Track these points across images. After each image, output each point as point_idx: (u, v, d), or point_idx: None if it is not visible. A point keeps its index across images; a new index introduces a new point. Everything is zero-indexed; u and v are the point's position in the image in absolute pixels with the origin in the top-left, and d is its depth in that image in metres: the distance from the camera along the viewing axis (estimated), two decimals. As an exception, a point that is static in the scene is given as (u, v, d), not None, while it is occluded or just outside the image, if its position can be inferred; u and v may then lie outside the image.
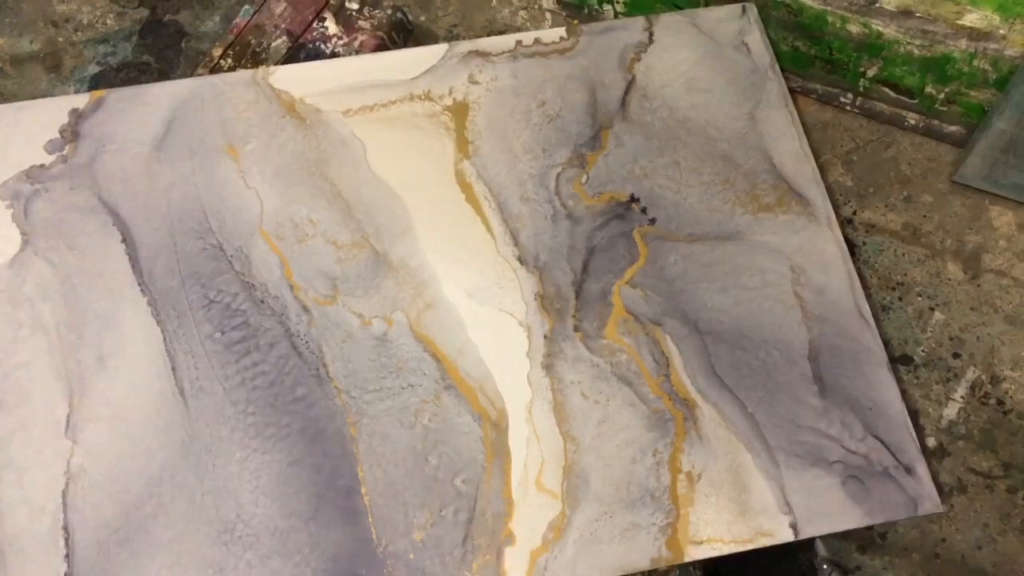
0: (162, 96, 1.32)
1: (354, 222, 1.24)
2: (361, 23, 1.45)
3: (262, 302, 1.18)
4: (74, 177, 1.26)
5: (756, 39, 1.40)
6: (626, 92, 1.37)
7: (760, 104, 1.35)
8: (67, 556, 1.03)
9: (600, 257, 1.22)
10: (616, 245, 1.23)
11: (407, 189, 1.27)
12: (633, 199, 1.27)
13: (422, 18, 1.62)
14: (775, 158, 1.30)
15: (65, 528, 1.04)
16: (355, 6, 1.41)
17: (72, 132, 1.29)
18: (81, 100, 1.32)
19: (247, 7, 1.46)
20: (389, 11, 1.51)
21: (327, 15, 1.44)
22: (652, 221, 1.25)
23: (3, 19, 1.73)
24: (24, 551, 1.03)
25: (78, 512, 1.05)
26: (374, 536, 1.04)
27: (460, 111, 1.35)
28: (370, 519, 1.05)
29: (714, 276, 1.21)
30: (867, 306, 1.18)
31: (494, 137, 1.32)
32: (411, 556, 1.02)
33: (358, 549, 1.03)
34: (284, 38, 1.43)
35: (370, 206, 1.25)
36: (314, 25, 1.43)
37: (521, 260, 1.22)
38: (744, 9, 1.43)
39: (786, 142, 1.31)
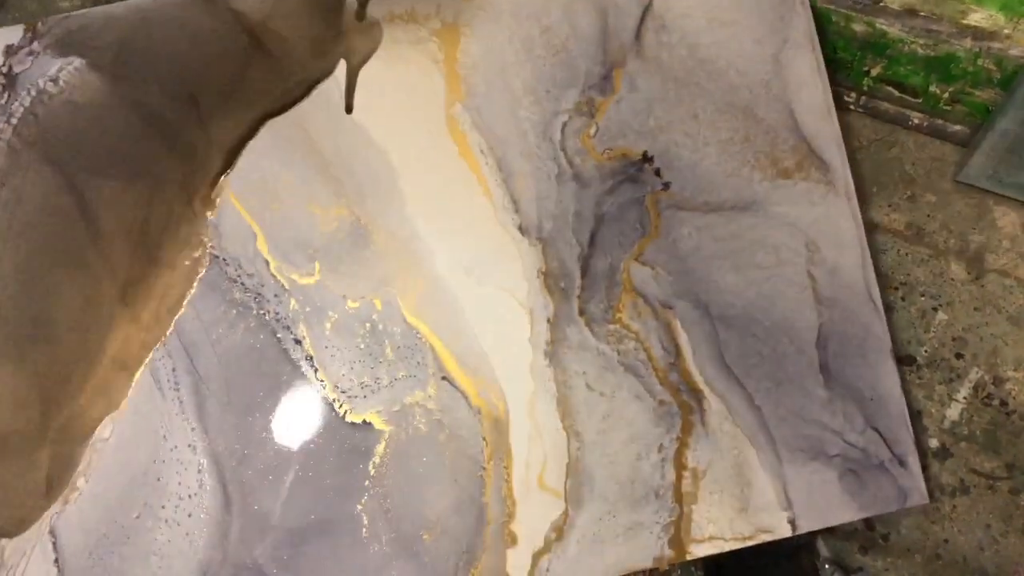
0: (106, 24, 1.09)
1: (333, 181, 1.10)
2: None
3: (236, 280, 1.06)
4: (16, 132, 1.05)
5: (788, -44, 1.23)
6: (641, 20, 1.19)
7: (786, 43, 1.20)
8: (56, 561, 0.98)
9: (609, 228, 1.12)
10: (627, 214, 1.13)
11: (392, 140, 1.12)
12: (647, 158, 1.15)
13: None
14: (797, 112, 1.18)
15: (52, 532, 0.98)
16: None
17: (8, 76, 1.07)
18: (14, 34, 1.08)
19: None
20: None
21: None
22: (666, 186, 1.14)
23: (6, 16, 1.58)
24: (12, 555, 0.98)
25: (62, 517, 0.99)
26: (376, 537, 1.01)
27: (450, 36, 1.16)
28: (366, 521, 1.02)
29: (728, 252, 1.13)
30: (877, 288, 1.14)
31: (490, 73, 1.16)
32: (426, 560, 1.01)
33: (359, 551, 1.01)
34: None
35: (350, 162, 1.11)
36: None
37: (522, 230, 1.11)
38: (777, -84, 1.24)
39: (810, 93, 1.19)
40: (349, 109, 1.10)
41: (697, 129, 1.17)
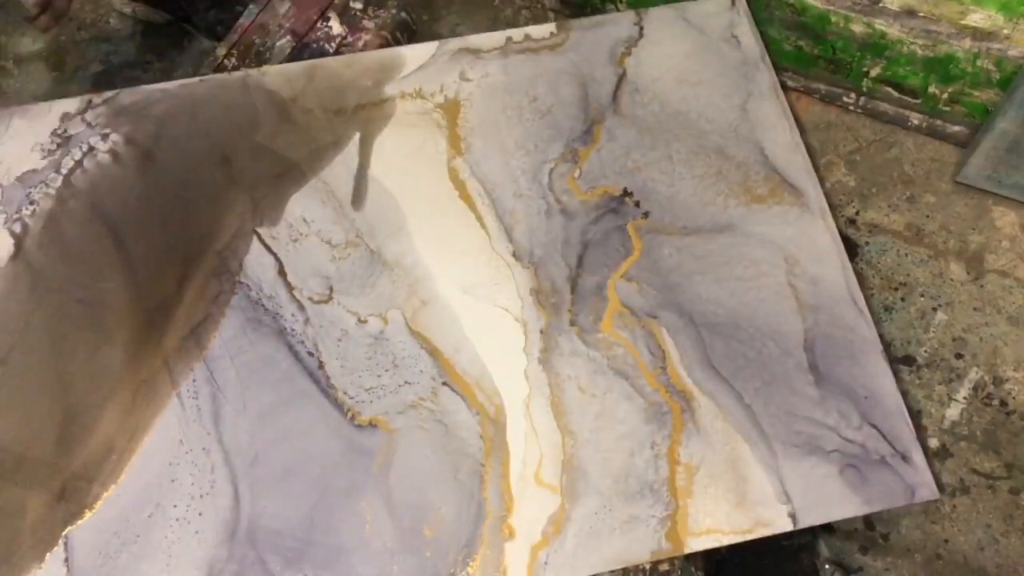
0: (153, 99, 1.32)
1: (347, 221, 1.24)
2: (365, 23, 1.46)
3: (257, 302, 1.17)
4: (66, 182, 1.25)
5: (746, 31, 1.40)
6: (617, 86, 1.37)
7: (751, 96, 1.35)
8: (66, 560, 1.03)
9: (595, 251, 1.22)
10: (610, 239, 1.23)
11: (401, 187, 1.27)
12: (626, 193, 1.27)
13: (425, 17, 1.62)
14: (767, 149, 1.31)
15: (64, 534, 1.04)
16: (359, 6, 1.42)
17: (63, 136, 1.29)
18: (72, 104, 1.32)
19: (251, 6, 1.46)
20: (393, 11, 1.51)
21: (331, 15, 1.44)
22: (645, 215, 1.25)
23: (6, 18, 1.72)
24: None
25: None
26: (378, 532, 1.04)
27: (452, 108, 1.35)
28: (369, 518, 1.04)
29: (708, 268, 1.21)
30: (861, 294, 1.18)
31: (486, 134, 1.32)
32: (428, 554, 1.02)
33: (362, 546, 1.03)
34: (288, 38, 1.43)
35: (365, 205, 1.25)
36: (318, 25, 1.43)
37: (516, 256, 1.22)
38: (733, 1, 1.44)
39: (778, 133, 1.32)
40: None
41: (672, 168, 1.29)
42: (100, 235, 1.22)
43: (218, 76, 1.36)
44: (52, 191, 1.24)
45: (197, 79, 1.35)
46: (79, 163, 1.26)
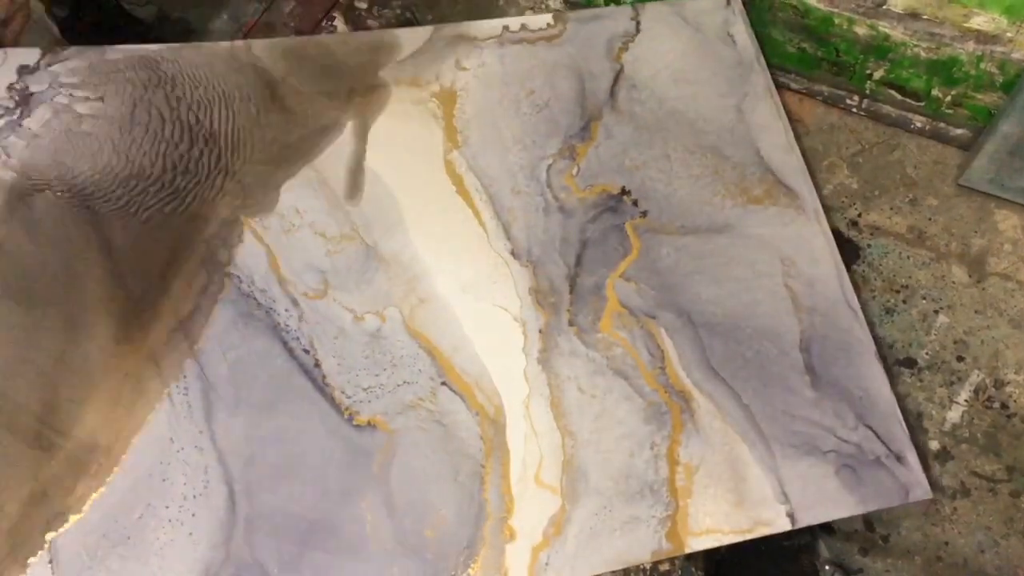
0: (131, 61, 1.26)
1: (342, 212, 1.21)
2: (370, 22, 1.44)
3: (249, 295, 1.14)
4: (31, 149, 1.17)
5: (741, 30, 1.41)
6: (614, 82, 1.36)
7: (747, 96, 1.35)
8: (51, 563, 0.99)
9: (593, 250, 1.22)
10: (609, 238, 1.23)
11: (397, 180, 1.24)
12: (624, 191, 1.26)
13: (429, 16, 1.59)
14: (763, 150, 1.31)
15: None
16: (364, 5, 1.40)
17: (23, 94, 1.21)
18: (32, 55, 1.23)
19: (257, 5, 1.43)
20: (398, 10, 1.49)
21: (336, 14, 1.43)
22: (644, 214, 1.25)
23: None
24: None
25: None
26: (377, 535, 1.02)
27: (448, 98, 1.32)
28: (369, 519, 1.03)
29: (706, 268, 1.21)
30: (855, 296, 1.20)
31: (483, 126, 1.30)
32: (428, 556, 1.01)
33: (362, 549, 1.01)
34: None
35: (360, 198, 1.23)
36: (323, 24, 1.41)
37: (514, 254, 1.20)
38: (729, 0, 1.43)
39: (773, 134, 1.32)
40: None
41: (669, 167, 1.29)
42: (74, 214, 1.15)
43: (207, 44, 1.30)
44: (14, 160, 1.16)
45: (180, 45, 1.29)
46: (44, 126, 1.18)
